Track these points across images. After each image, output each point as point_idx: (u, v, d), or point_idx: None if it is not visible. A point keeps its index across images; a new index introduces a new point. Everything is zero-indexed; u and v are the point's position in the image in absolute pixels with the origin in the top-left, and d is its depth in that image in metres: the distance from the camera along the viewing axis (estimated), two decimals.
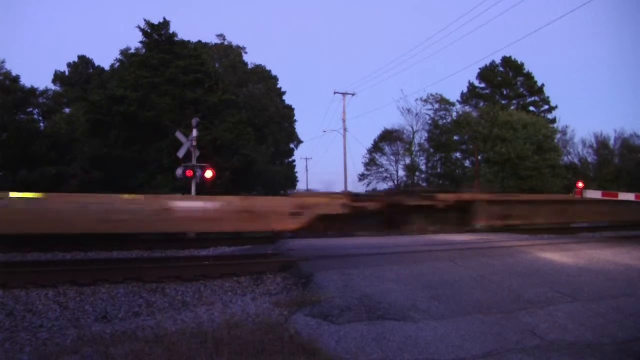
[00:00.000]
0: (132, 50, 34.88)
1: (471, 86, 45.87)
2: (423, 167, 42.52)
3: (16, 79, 32.09)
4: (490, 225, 11.24)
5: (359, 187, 44.74)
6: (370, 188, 47.59)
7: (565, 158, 39.24)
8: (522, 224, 12.21)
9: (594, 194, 12.76)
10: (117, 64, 38.33)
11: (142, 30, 30.93)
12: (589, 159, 39.55)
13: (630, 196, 11.82)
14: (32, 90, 34.22)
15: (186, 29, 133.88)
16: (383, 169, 45.34)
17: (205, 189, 17.14)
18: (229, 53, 42.51)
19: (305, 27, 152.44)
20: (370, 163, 45.86)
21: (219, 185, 22.72)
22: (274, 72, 45.78)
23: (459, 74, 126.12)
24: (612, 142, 38.84)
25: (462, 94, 46.12)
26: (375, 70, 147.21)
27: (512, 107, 41.28)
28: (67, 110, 37.22)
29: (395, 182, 43.89)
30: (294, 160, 49.01)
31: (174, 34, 31.21)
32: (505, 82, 44.39)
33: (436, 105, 42.76)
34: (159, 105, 27.27)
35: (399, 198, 9.75)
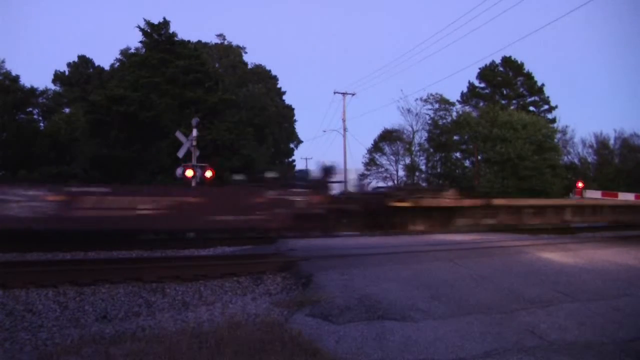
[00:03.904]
0: (132, 50, 34.90)
1: (471, 86, 45.87)
2: (423, 167, 42.52)
3: (16, 79, 32.11)
4: None
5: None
6: (370, 188, 47.63)
7: (565, 158, 39.25)
8: None
9: (594, 194, 12.80)
10: (117, 64, 38.35)
11: (142, 30, 30.92)
12: (589, 159, 39.57)
13: (630, 196, 11.85)
14: (32, 90, 34.23)
15: (186, 29, 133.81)
16: (383, 169, 45.34)
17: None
18: (229, 53, 42.54)
19: (305, 27, 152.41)
20: (370, 163, 45.85)
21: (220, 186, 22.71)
22: (274, 72, 45.82)
23: (459, 74, 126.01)
24: (612, 142, 38.88)
25: (462, 94, 46.13)
26: (375, 70, 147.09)
27: (512, 107, 41.27)
28: (67, 110, 37.21)
29: (396, 182, 43.90)
30: (294, 160, 49.01)
31: (174, 34, 31.21)
32: (505, 82, 44.38)
33: (436, 105, 42.78)
34: (159, 105, 27.27)
35: None
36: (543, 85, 44.47)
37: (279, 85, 45.61)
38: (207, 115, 27.46)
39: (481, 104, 43.53)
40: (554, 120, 42.50)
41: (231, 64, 41.32)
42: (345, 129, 35.54)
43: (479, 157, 34.17)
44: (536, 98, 44.46)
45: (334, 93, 36.15)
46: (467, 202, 10.15)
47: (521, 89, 44.55)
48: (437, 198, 9.92)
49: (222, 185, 16.33)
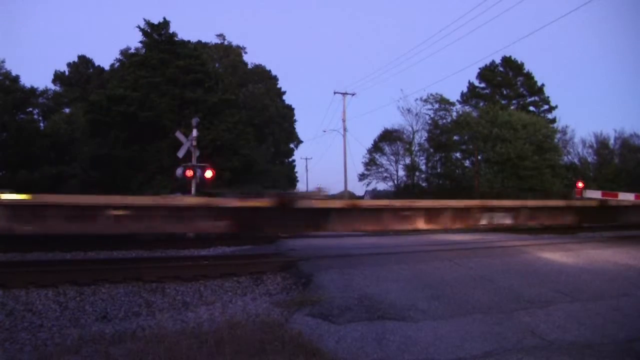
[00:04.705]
0: (132, 50, 34.93)
1: (471, 86, 45.90)
2: (423, 167, 42.56)
3: (16, 79, 32.12)
4: None
5: (359, 187, 44.84)
6: (370, 188, 47.75)
7: (565, 158, 39.24)
8: None
9: (594, 194, 12.79)
10: (117, 64, 38.37)
11: (142, 30, 30.95)
12: (589, 159, 39.54)
13: (630, 196, 11.84)
14: (32, 90, 34.26)
15: (186, 29, 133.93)
16: (383, 169, 45.38)
17: (206, 190, 17.13)
18: (229, 53, 42.56)
19: (306, 27, 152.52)
20: (370, 163, 45.88)
21: (219, 186, 22.73)
22: (274, 72, 45.88)
23: (459, 74, 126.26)
24: (612, 142, 38.87)
25: (462, 94, 46.19)
26: (375, 70, 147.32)
27: (512, 107, 41.30)
28: (67, 110, 37.24)
29: (395, 182, 43.94)
30: (294, 160, 49.13)
31: (174, 34, 31.24)
32: (505, 82, 44.41)
33: (436, 105, 42.81)
34: (159, 105, 27.28)
35: None
36: (543, 85, 44.57)
37: (279, 85, 45.68)
38: (207, 115, 27.47)
39: (481, 104, 43.56)
40: (554, 120, 42.54)
41: (231, 64, 41.32)
42: (345, 129, 35.54)
43: (479, 157, 34.17)
44: (536, 98, 44.49)
45: (334, 93, 36.16)
46: None
47: (521, 89, 44.59)
48: None
49: None
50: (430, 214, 9.09)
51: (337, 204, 8.57)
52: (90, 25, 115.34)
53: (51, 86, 42.37)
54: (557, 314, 4.68)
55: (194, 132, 16.56)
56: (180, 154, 16.63)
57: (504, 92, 44.72)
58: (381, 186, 46.36)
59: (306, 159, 64.34)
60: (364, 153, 54.43)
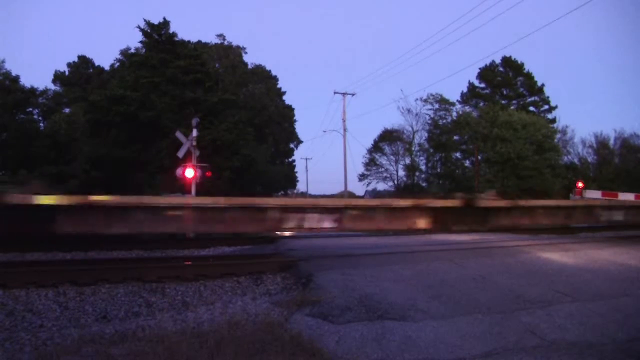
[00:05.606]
0: (132, 51, 34.90)
1: (471, 86, 45.92)
2: (423, 167, 42.60)
3: (16, 79, 32.07)
4: None
5: (359, 187, 44.92)
6: (370, 188, 47.78)
7: (565, 158, 39.25)
8: None
9: (594, 194, 12.79)
10: (117, 64, 38.36)
11: (142, 30, 30.95)
12: (589, 159, 39.55)
13: (630, 196, 11.85)
14: (32, 90, 34.21)
15: (186, 29, 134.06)
16: (383, 169, 45.45)
17: (206, 189, 17.14)
18: (229, 53, 42.53)
19: (306, 28, 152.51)
20: (370, 163, 45.95)
21: (219, 186, 22.74)
22: (274, 72, 45.91)
23: (459, 74, 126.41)
24: (612, 142, 38.87)
25: (462, 94, 46.21)
26: (375, 70, 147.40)
27: (512, 107, 41.29)
28: (67, 110, 37.20)
29: (395, 182, 43.95)
30: (294, 160, 49.19)
31: (174, 34, 31.23)
32: (505, 82, 44.42)
33: (436, 105, 42.88)
34: (159, 105, 27.28)
35: None
36: (543, 85, 44.58)
37: (279, 85, 45.71)
38: (207, 115, 27.47)
39: (481, 104, 43.58)
40: (554, 120, 42.54)
41: (231, 64, 41.30)
42: (345, 129, 35.55)
43: (479, 157, 34.17)
44: (536, 98, 44.50)
45: (334, 93, 36.20)
46: None
47: (521, 89, 44.60)
48: None
49: None
50: None
51: (502, 203, 9.34)
52: (90, 25, 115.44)
53: (51, 86, 42.35)
54: (557, 314, 4.68)
55: (194, 132, 16.56)
56: (180, 154, 16.62)
57: (504, 92, 44.74)
58: (381, 186, 46.47)
59: (306, 159, 64.65)
60: (364, 153, 54.51)
